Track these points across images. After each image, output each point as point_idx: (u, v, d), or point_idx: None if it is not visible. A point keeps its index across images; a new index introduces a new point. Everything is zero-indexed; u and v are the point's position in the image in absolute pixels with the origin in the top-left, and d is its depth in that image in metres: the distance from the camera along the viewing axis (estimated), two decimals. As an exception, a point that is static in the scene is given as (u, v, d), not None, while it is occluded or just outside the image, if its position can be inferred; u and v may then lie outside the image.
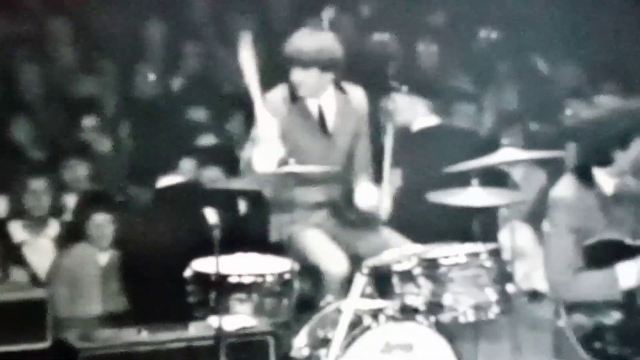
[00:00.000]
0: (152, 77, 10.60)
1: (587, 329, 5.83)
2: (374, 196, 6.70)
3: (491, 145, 7.57)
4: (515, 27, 11.16)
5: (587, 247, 5.85)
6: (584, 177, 5.95)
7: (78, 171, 8.89)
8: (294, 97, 6.65)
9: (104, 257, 8.21)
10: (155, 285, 7.83)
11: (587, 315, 5.84)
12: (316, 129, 6.70)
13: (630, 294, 5.86)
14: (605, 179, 5.96)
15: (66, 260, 8.20)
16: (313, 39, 6.64)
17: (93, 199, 8.38)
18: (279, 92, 6.67)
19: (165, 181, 7.67)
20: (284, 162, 6.46)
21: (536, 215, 8.74)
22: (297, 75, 6.60)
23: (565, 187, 5.98)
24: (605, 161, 5.93)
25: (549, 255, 5.99)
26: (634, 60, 10.29)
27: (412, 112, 8.13)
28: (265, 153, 6.47)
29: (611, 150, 5.92)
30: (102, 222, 8.16)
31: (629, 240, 5.89)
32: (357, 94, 6.82)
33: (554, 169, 9.05)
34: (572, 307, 5.86)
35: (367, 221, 6.72)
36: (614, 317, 5.83)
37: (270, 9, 11.46)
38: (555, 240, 5.93)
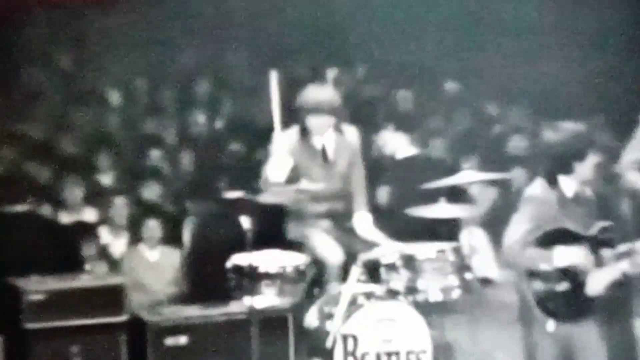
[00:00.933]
0: (201, 119, 10.62)
1: (543, 293, 5.73)
2: (370, 225, 6.62)
3: (454, 169, 7.56)
4: (471, 80, 11.13)
5: (547, 232, 5.74)
6: (551, 181, 5.84)
7: (152, 190, 8.81)
8: (304, 136, 6.62)
9: (155, 254, 8.05)
10: (205, 273, 7.82)
11: (544, 283, 5.73)
12: (320, 159, 6.64)
13: (574, 271, 5.74)
14: (569, 185, 5.84)
15: (131, 255, 8.13)
16: (318, 94, 6.60)
17: (146, 208, 8.31)
18: (293, 132, 6.64)
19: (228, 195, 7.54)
20: (296, 180, 6.43)
21: (488, 221, 8.75)
22: (308, 120, 6.58)
23: (536, 187, 5.86)
24: (568, 170, 5.81)
25: (508, 232, 5.83)
26: (568, 100, 10.14)
27: (396, 144, 8.10)
28: (277, 165, 6.46)
29: (572, 162, 5.80)
30: (152, 226, 8.01)
31: (580, 231, 5.76)
32: (351, 132, 6.76)
33: (502, 187, 9.10)
34: (532, 276, 5.75)
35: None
36: (563, 285, 5.72)
37: (289, 68, 11.46)
38: (517, 222, 5.79)
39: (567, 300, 5.71)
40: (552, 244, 5.71)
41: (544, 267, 5.70)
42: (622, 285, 5.68)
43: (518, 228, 5.74)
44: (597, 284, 5.67)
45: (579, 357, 5.73)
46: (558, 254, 5.69)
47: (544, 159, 6.11)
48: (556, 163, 5.86)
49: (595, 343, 5.72)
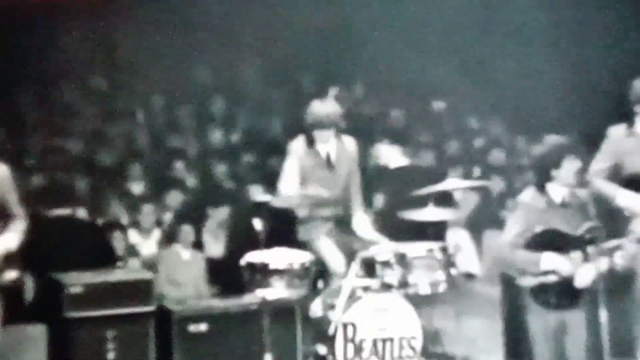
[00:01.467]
0: (218, 133, 10.68)
1: (535, 285, 5.65)
2: (367, 226, 6.65)
3: (441, 177, 7.49)
4: (455, 98, 11.18)
5: (539, 233, 5.64)
6: (540, 189, 5.78)
7: (175, 198, 8.87)
8: (310, 144, 6.65)
9: (188, 253, 8.17)
10: (223, 270, 7.87)
11: (535, 277, 5.65)
12: (324, 165, 6.66)
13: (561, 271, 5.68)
14: (557, 190, 5.74)
15: (165, 253, 8.22)
16: (322, 107, 6.61)
17: (181, 216, 8.40)
18: (300, 141, 6.68)
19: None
20: (304, 186, 6.45)
21: (471, 223, 8.80)
22: (314, 131, 6.62)
23: (527, 195, 5.81)
24: (548, 178, 5.75)
25: (503, 234, 5.78)
26: (541, 114, 10.10)
27: (390, 156, 8.10)
28: (287, 182, 6.52)
29: (550, 170, 5.73)
30: (187, 230, 8.14)
31: (570, 232, 5.68)
32: (349, 142, 6.79)
33: (482, 193, 9.17)
34: (524, 271, 5.67)
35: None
36: (553, 278, 5.64)
37: (296, 88, 11.53)
38: (509, 226, 5.75)
39: (557, 291, 5.63)
40: (543, 246, 5.62)
41: (532, 270, 5.65)
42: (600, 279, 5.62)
43: (510, 230, 5.71)
44: (584, 277, 5.63)
45: (557, 342, 5.68)
46: (545, 259, 5.63)
47: (524, 168, 6.06)
48: (536, 171, 5.82)
49: (572, 329, 5.68)
